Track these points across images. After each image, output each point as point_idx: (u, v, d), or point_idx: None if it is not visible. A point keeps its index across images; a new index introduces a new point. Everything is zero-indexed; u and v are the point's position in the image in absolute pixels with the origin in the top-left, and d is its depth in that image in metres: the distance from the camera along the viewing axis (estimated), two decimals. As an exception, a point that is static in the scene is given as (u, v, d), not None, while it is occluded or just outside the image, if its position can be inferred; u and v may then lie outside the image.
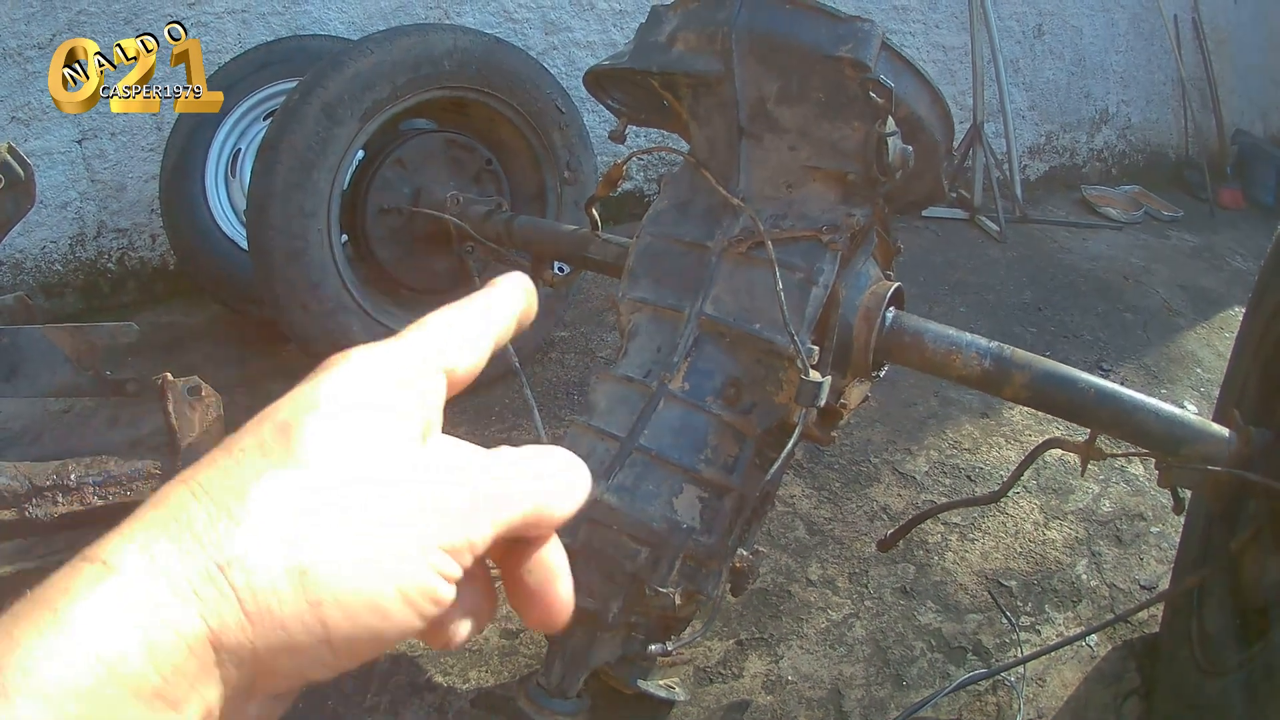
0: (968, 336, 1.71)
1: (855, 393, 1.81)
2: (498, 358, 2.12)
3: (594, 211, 1.95)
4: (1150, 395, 3.09)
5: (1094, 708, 2.00)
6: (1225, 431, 1.66)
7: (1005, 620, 2.18)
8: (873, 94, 1.52)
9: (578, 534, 1.54)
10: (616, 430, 1.59)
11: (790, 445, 1.56)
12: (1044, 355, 2.94)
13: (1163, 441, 1.65)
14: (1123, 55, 5.94)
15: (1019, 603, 2.24)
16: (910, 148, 1.62)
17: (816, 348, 1.57)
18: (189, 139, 2.84)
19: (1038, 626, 2.19)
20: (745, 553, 1.65)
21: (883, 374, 1.80)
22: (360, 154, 2.52)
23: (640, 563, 1.51)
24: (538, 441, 2.02)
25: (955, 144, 4.87)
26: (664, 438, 1.57)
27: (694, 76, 1.66)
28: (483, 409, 2.76)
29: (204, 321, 3.14)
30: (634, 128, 1.93)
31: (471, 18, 3.59)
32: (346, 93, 2.27)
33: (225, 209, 2.91)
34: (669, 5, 1.74)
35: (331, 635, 0.36)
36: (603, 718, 1.80)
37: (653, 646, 1.60)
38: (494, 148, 2.69)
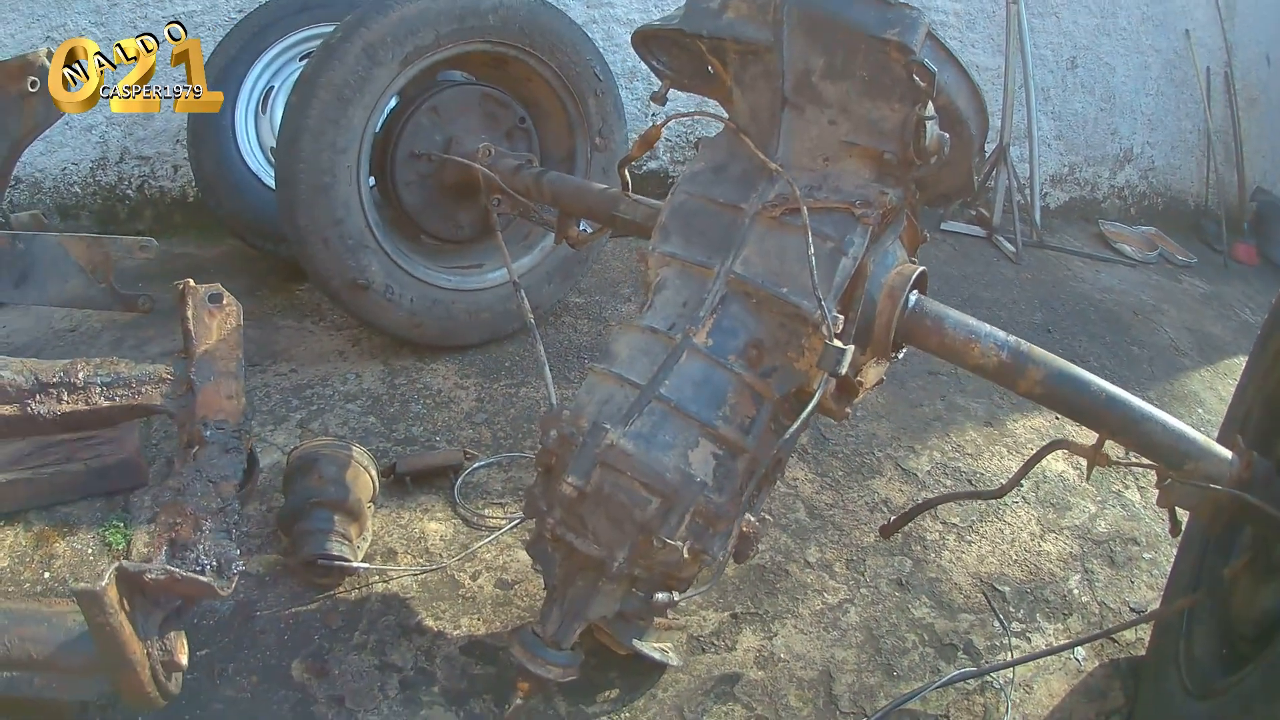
0: (987, 328, 1.72)
1: (872, 372, 1.82)
2: (514, 314, 2.09)
3: (626, 172, 1.95)
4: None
5: (1077, 722, 2.00)
6: (1228, 453, 1.67)
7: (998, 623, 2.18)
8: (916, 77, 1.52)
9: (590, 477, 1.54)
10: (637, 378, 1.59)
11: (809, 410, 1.56)
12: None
13: (1168, 453, 1.67)
14: (1152, 98, 5.98)
15: (1011, 608, 2.24)
16: (947, 135, 1.63)
17: (841, 316, 1.57)
18: (223, 73, 2.84)
19: (1028, 634, 2.19)
20: (753, 518, 1.65)
21: (901, 356, 1.80)
22: (394, 100, 2.53)
23: (650, 513, 1.51)
24: (545, 399, 2.01)
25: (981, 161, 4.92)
26: (685, 390, 1.56)
27: (743, 44, 1.67)
28: (492, 364, 2.76)
29: (219, 254, 3.14)
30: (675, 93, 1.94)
31: (517, -16, 3.59)
32: (390, 35, 2.28)
33: (253, 145, 2.92)
34: (724, -25, 1.75)
35: None
36: (593, 676, 1.79)
37: (659, 595, 1.59)
38: (529, 106, 2.70)
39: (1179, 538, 1.96)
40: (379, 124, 2.45)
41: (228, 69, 2.85)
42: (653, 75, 1.87)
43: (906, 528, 2.20)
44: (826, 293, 1.55)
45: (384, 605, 1.91)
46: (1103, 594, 2.38)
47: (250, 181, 2.85)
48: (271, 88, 2.96)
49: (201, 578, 1.45)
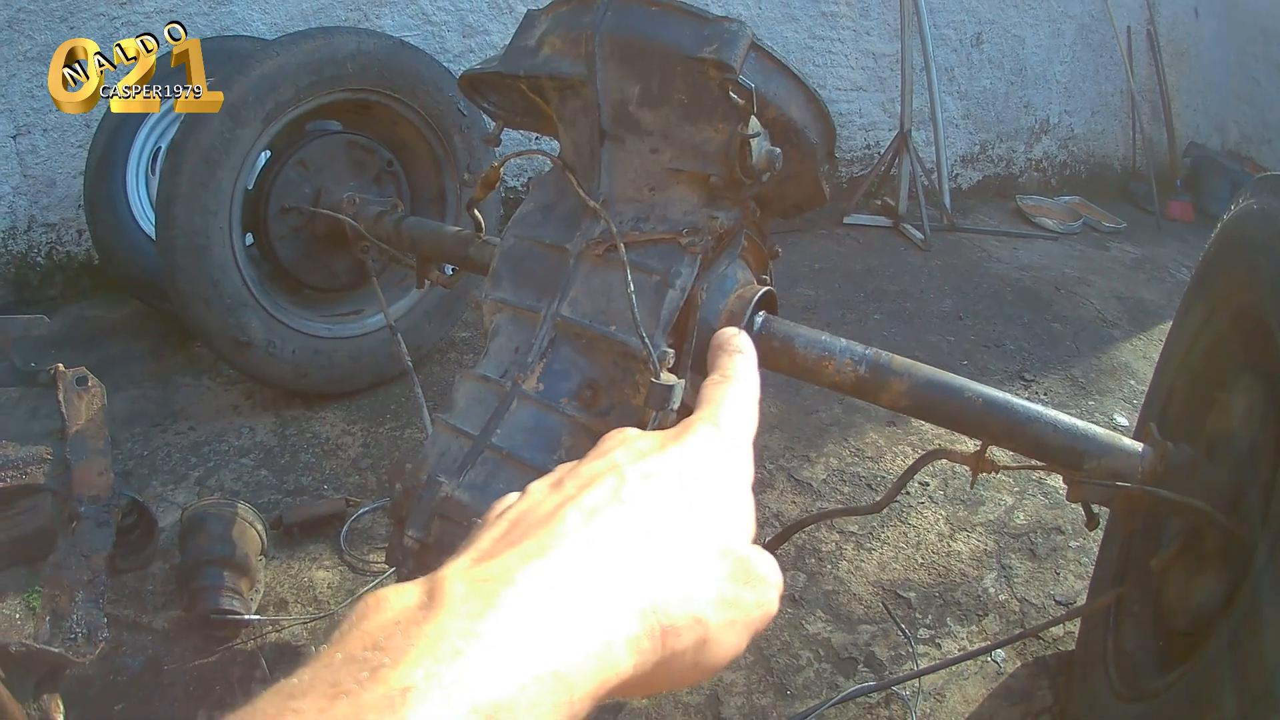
0: (842, 342, 1.69)
1: (727, 398, 1.80)
2: (395, 358, 2.11)
3: (476, 213, 1.95)
4: (1076, 407, 3.03)
5: (1000, 727, 1.95)
6: (1138, 447, 1.60)
7: (900, 632, 2.14)
8: (733, 94, 1.51)
9: (430, 529, 1.54)
10: (470, 428, 1.59)
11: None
12: (961, 365, 2.90)
13: (1062, 456, 1.59)
14: (1068, 66, 5.91)
15: (917, 615, 2.20)
16: (778, 150, 1.61)
17: (671, 350, 1.56)
18: (112, 136, 2.86)
19: (938, 640, 2.15)
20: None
21: (754, 380, 1.78)
22: (266, 154, 2.54)
23: (489, 560, 1.50)
24: (424, 440, 2.01)
25: (883, 151, 4.89)
26: (516, 437, 1.56)
27: (558, 80, 1.66)
28: (378, 408, 2.77)
29: (124, 316, 3.16)
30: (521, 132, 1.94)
31: (390, 20, 3.61)
32: (251, 95, 2.30)
33: (144, 206, 2.93)
34: (543, 9, 1.74)
35: None
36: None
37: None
38: (396, 149, 2.72)
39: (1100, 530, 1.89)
40: (250, 181, 2.48)
41: (117, 131, 2.86)
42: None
43: (797, 540, 2.19)
44: (654, 327, 1.54)
45: (278, 653, 1.95)
46: (1023, 590, 2.33)
47: (144, 243, 2.87)
48: (159, 148, 2.96)
49: (52, 648, 1.61)
